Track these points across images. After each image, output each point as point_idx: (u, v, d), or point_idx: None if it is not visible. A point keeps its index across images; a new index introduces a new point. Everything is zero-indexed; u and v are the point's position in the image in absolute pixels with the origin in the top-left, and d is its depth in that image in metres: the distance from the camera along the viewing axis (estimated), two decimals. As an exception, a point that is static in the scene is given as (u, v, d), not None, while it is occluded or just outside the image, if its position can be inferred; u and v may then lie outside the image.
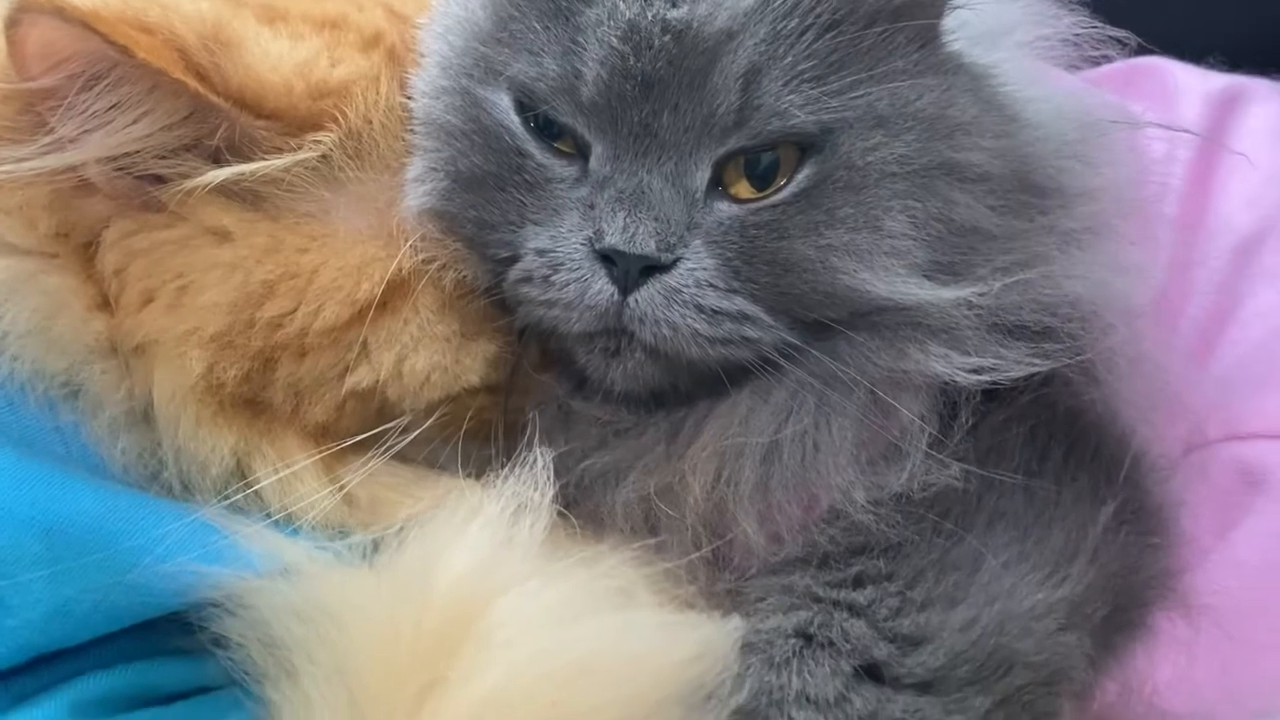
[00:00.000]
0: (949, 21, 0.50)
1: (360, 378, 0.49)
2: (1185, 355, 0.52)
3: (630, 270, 0.46)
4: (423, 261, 0.50)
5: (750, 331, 0.46)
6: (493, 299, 0.51)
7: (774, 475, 0.47)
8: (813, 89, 0.45)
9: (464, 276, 0.51)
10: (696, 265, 0.46)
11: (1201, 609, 0.50)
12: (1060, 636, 0.46)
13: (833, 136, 0.46)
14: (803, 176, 0.46)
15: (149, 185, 0.48)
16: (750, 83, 0.45)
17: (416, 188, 0.49)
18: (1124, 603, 0.49)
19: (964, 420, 0.47)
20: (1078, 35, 0.56)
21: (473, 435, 0.52)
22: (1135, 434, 0.48)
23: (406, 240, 0.50)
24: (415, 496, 0.49)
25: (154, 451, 0.47)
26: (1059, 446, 0.49)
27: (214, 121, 0.48)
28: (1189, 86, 0.63)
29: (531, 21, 0.47)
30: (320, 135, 0.49)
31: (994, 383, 0.47)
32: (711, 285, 0.46)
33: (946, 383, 0.47)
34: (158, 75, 0.45)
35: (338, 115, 0.50)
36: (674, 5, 0.45)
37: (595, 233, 0.46)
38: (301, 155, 0.48)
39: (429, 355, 0.50)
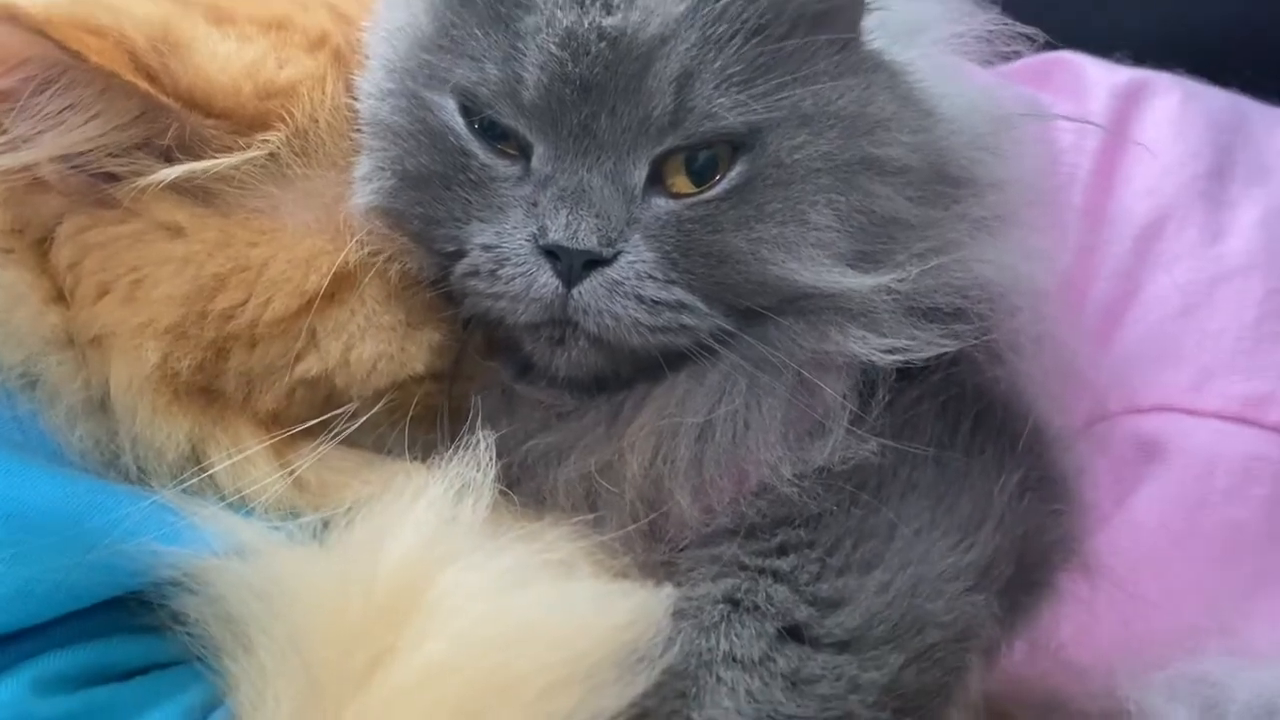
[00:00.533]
0: (868, 20, 0.53)
1: (309, 366, 0.51)
2: (1088, 335, 0.56)
3: (574, 265, 0.48)
4: (369, 254, 0.52)
5: (688, 319, 0.49)
6: (439, 290, 0.53)
7: (708, 452, 0.50)
8: (740, 92, 0.48)
9: (409, 268, 0.53)
10: (636, 258, 0.48)
11: (1101, 569, 0.53)
12: (969, 597, 0.50)
13: (761, 136, 0.49)
14: (735, 173, 0.49)
15: (102, 183, 0.50)
16: (683, 86, 0.48)
17: (364, 185, 0.52)
18: (1029, 564, 0.53)
19: (881, 397, 0.50)
20: (990, 32, 0.59)
21: (419, 420, 0.55)
22: (1039, 409, 0.52)
23: (353, 234, 0.51)
24: (363, 479, 0.51)
25: (111, 439, 0.49)
26: (967, 421, 0.52)
27: (165, 121, 0.49)
28: (1098, 80, 0.67)
29: (472, 29, 0.50)
30: (268, 135, 0.51)
31: (908, 362, 0.50)
32: (651, 277, 0.48)
33: (865, 363, 0.50)
34: (109, 78, 0.47)
35: (284, 115, 0.51)
36: (609, 13, 0.48)
37: (539, 229, 0.48)
38: (250, 154, 0.50)
39: (375, 344, 0.52)
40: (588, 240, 0.48)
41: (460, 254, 0.50)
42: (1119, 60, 0.70)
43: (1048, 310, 0.53)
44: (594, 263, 0.48)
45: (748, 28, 0.48)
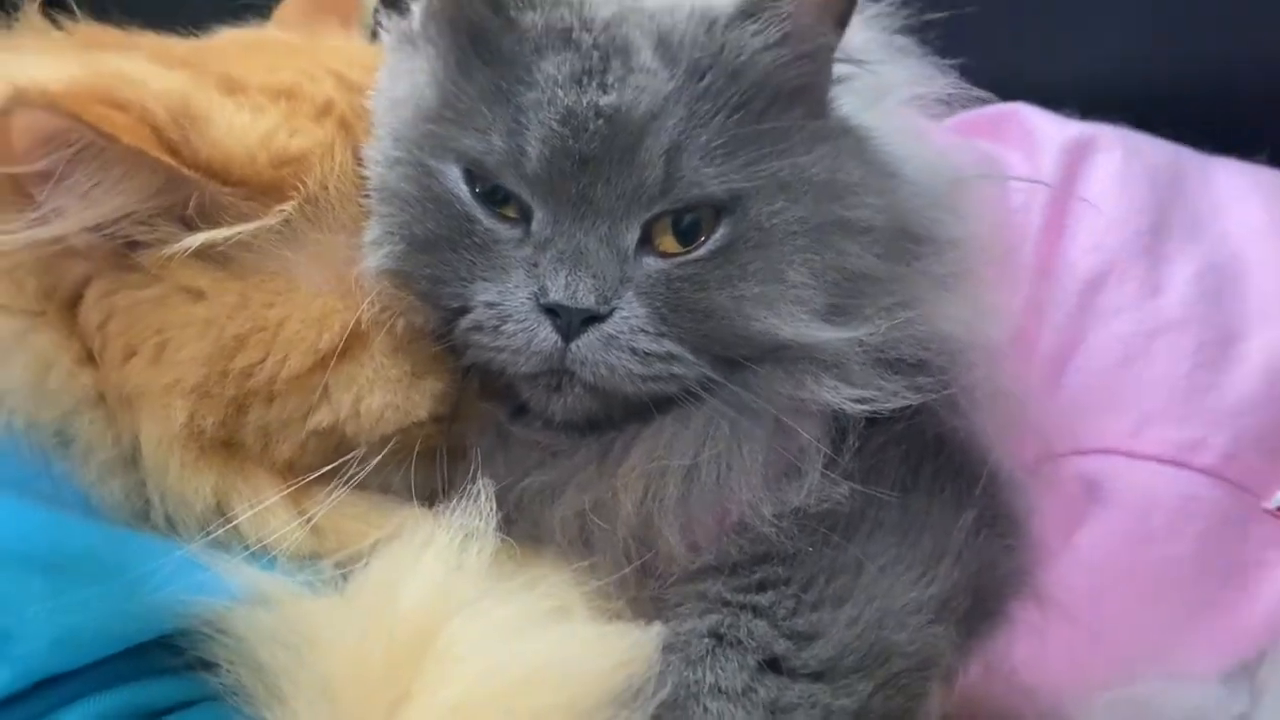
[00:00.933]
0: (836, 88, 0.58)
1: (321, 418, 0.55)
2: (1038, 384, 0.60)
3: (573, 321, 0.52)
4: (378, 312, 0.55)
5: (678, 369, 0.53)
6: (443, 343, 0.56)
7: (694, 492, 0.54)
8: (724, 163, 0.53)
9: (414, 323, 0.57)
10: (630, 314, 0.53)
11: (1051, 600, 0.58)
12: (931, 628, 0.54)
13: (743, 202, 0.53)
14: (719, 235, 0.53)
15: (127, 249, 0.53)
16: (672, 158, 0.52)
17: (375, 250, 0.55)
18: (985, 596, 0.57)
19: (851, 443, 0.55)
20: (949, 95, 0.64)
21: (421, 460, 0.58)
22: (994, 454, 0.56)
23: (363, 293, 0.55)
24: (376, 525, 0.55)
25: (140, 492, 0.52)
26: (928, 466, 0.56)
27: (186, 191, 0.53)
28: (1047, 135, 0.71)
29: (476, 102, 0.54)
30: (283, 203, 0.54)
31: (875, 412, 0.55)
32: (644, 331, 0.53)
33: (837, 410, 0.54)
34: (138, 155, 0.50)
35: (297, 183, 0.55)
36: (605, 92, 0.52)
37: (540, 289, 0.52)
38: (267, 222, 0.54)
39: (383, 395, 0.56)
40: (586, 300, 0.52)
41: (465, 310, 0.54)
42: (1067, 113, 0.75)
43: (1001, 362, 0.57)
44: (591, 319, 0.52)
45: (730, 104, 0.53)
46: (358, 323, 0.55)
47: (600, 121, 0.52)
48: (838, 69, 0.57)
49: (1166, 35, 0.84)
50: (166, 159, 0.51)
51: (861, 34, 0.60)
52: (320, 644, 0.47)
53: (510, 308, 0.53)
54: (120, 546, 0.50)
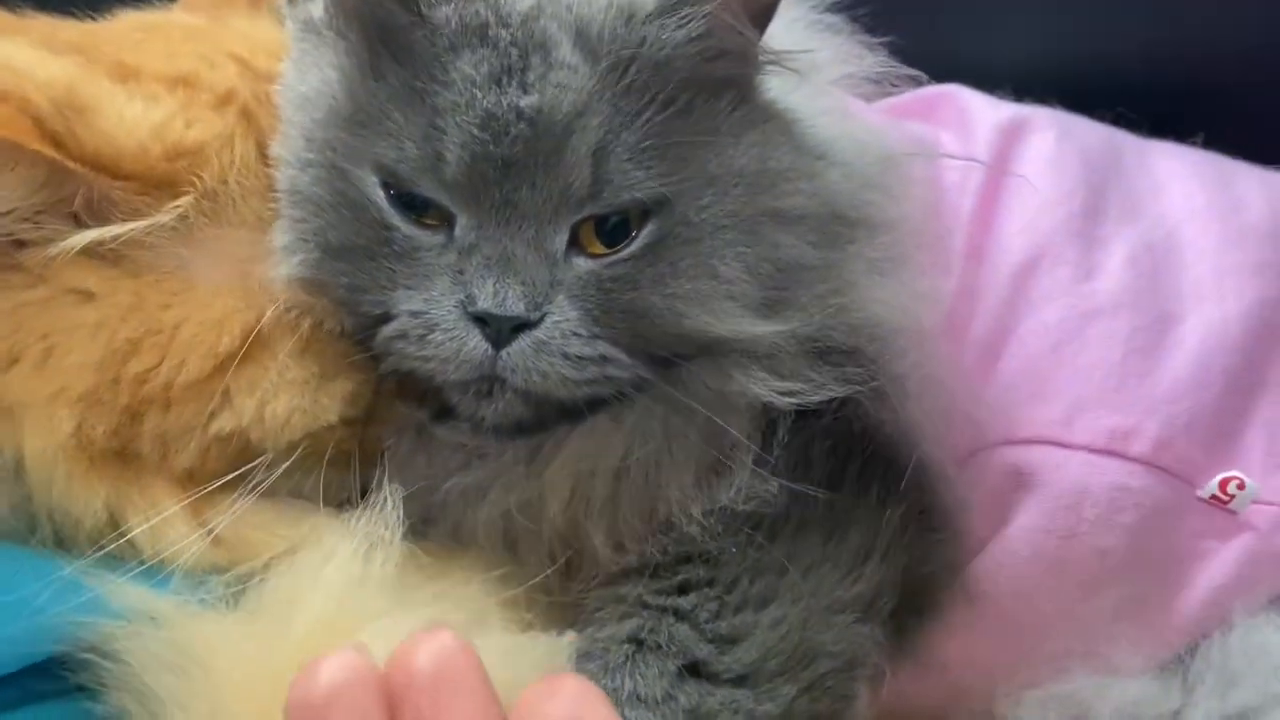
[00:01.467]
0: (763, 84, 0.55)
1: (223, 424, 0.52)
2: (969, 372, 0.59)
3: (502, 329, 0.50)
4: (282, 312, 0.53)
5: (612, 370, 0.52)
6: (360, 348, 0.54)
7: (623, 492, 0.53)
8: (652, 164, 0.51)
9: (320, 323, 0.54)
10: (561, 318, 0.51)
11: (981, 595, 0.57)
12: (857, 628, 0.53)
13: (672, 200, 0.51)
14: (647, 232, 0.51)
15: (9, 248, 0.50)
16: (599, 160, 0.50)
17: (287, 257, 0.53)
18: (914, 592, 0.56)
19: (781, 438, 0.53)
20: (879, 74, 0.62)
21: (333, 464, 0.56)
22: (923, 445, 0.55)
23: (265, 293, 0.53)
24: (280, 535, 0.52)
25: (26, 507, 0.50)
26: (855, 461, 0.55)
27: (72, 186, 0.50)
28: (981, 117, 0.69)
29: (388, 107, 0.51)
30: (178, 199, 0.52)
31: (803, 405, 0.53)
32: (575, 334, 0.51)
33: (766, 404, 0.53)
34: (16, 149, 0.48)
35: (193, 177, 0.52)
36: (525, 92, 0.50)
37: (467, 297, 0.50)
38: (161, 219, 0.51)
39: (289, 399, 0.54)
40: (515, 307, 0.50)
41: (386, 318, 0.52)
42: (1001, 95, 0.73)
43: (932, 350, 0.56)
44: (521, 325, 0.50)
45: (655, 101, 0.51)
46: (260, 323, 0.53)
47: (522, 125, 0.50)
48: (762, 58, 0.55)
49: (1103, 15, 0.82)
50: (49, 152, 0.49)
51: (789, 12, 0.58)
52: (211, 666, 0.44)
53: (437, 316, 0.51)
54: (6, 569, 0.47)
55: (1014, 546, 0.57)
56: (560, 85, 0.50)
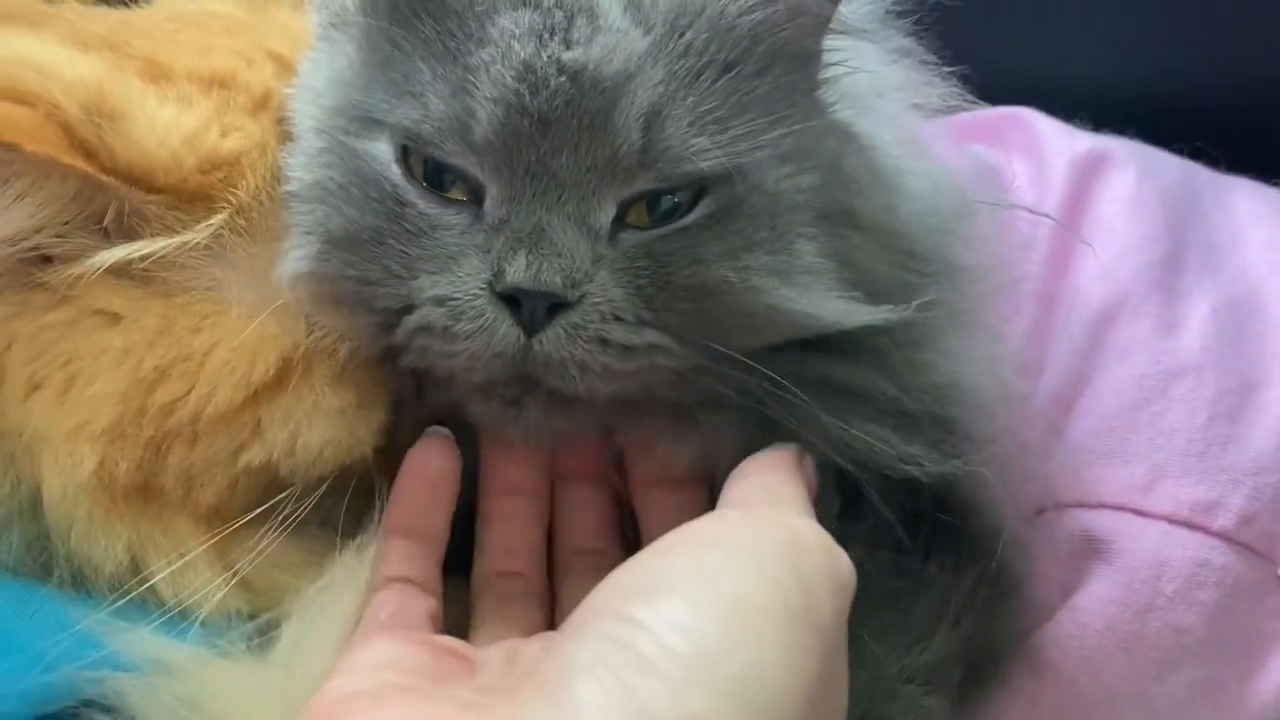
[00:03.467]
0: (833, 90, 0.51)
1: (252, 457, 0.49)
2: (1041, 425, 0.56)
3: (536, 310, 0.44)
4: (318, 335, 0.49)
5: (662, 361, 0.45)
6: (383, 351, 0.49)
7: None
8: (718, 132, 0.45)
9: (359, 347, 0.51)
10: (602, 298, 0.44)
11: (1047, 666, 0.54)
12: (923, 699, 0.50)
13: (740, 173, 0.46)
14: (709, 201, 0.46)
15: (33, 265, 0.47)
16: (651, 124, 0.45)
17: (289, 255, 0.48)
18: (981, 661, 0.53)
19: (869, 499, 0.49)
20: (949, 106, 0.58)
21: (358, 492, 0.52)
22: (997, 507, 0.52)
23: (301, 315, 0.49)
24: (307, 577, 0.49)
25: (43, 545, 0.46)
26: (926, 523, 0.52)
27: (103, 200, 0.46)
28: (1056, 147, 0.66)
29: (416, 63, 0.46)
30: (212, 215, 0.48)
31: (887, 468, 0.49)
32: (618, 319, 0.44)
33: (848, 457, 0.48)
34: (46, 163, 0.44)
35: (229, 191, 0.48)
36: (568, 47, 0.45)
37: (496, 274, 0.44)
38: (195, 238, 0.47)
39: (323, 430, 0.50)
40: (550, 281, 0.43)
41: (407, 310, 0.47)
42: (1078, 121, 0.69)
43: (1011, 410, 0.53)
44: (557, 306, 0.44)
45: (718, 64, 0.46)
46: (295, 349, 0.49)
47: (563, 79, 0.44)
48: (833, 54, 0.50)
49: (1184, 41, 0.78)
50: (80, 165, 0.45)
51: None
52: (224, 718, 0.41)
53: (463, 301, 0.44)
54: (14, 610, 0.44)
55: (1085, 618, 0.54)
56: (607, 44, 0.45)
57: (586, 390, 0.45)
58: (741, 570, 0.38)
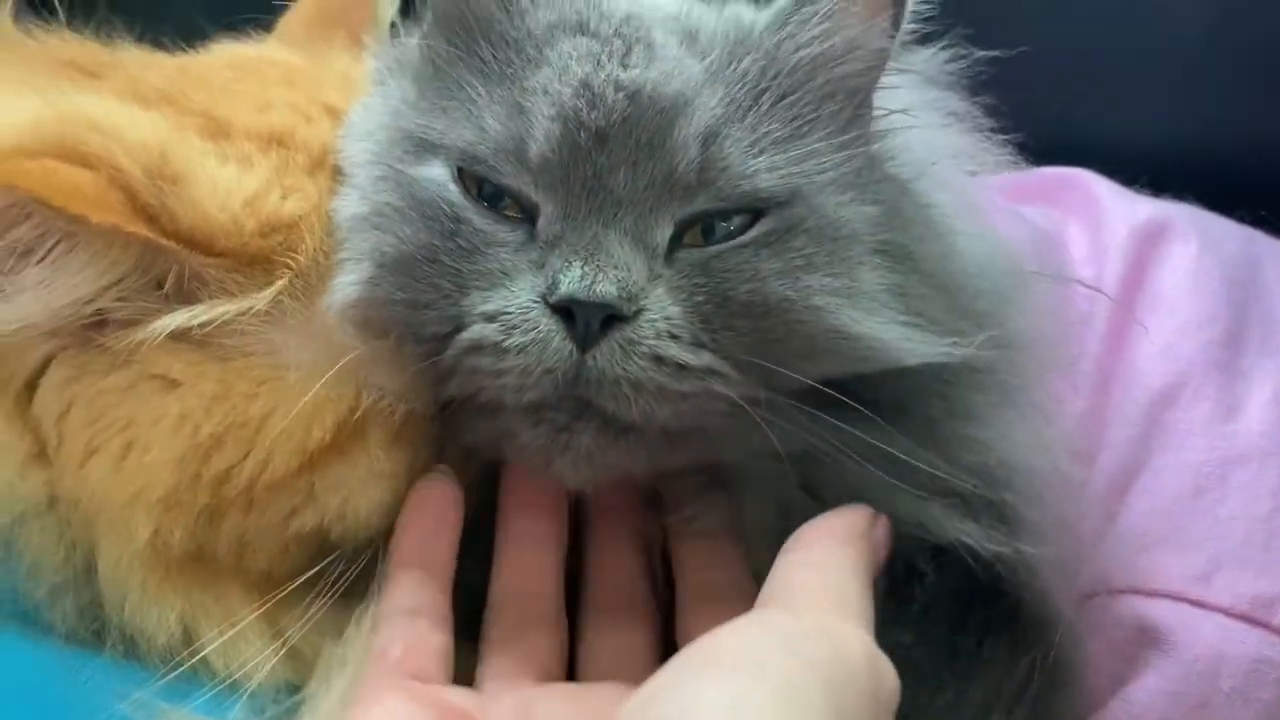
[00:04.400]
0: (887, 147, 0.50)
1: (305, 521, 0.49)
2: (1095, 507, 0.55)
3: (590, 322, 0.43)
4: (373, 398, 0.49)
5: (718, 386, 0.44)
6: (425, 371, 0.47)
7: None
8: (777, 153, 0.45)
9: (414, 408, 0.50)
10: (658, 314, 0.43)
11: (1097, 757, 0.54)
12: None
13: (799, 196, 0.46)
14: (766, 222, 0.45)
15: (93, 327, 0.46)
16: (710, 143, 0.45)
17: (339, 285, 0.47)
18: None
19: (923, 579, 0.49)
20: (1005, 171, 0.57)
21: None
22: (1049, 594, 0.51)
23: (357, 377, 0.48)
24: (352, 645, 0.48)
25: (95, 611, 0.46)
26: (980, 606, 0.51)
27: (164, 265, 0.46)
28: (1115, 213, 0.65)
29: (473, 88, 0.46)
30: (272, 279, 0.47)
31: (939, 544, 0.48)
32: (674, 336, 0.43)
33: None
34: (110, 231, 0.44)
35: (287, 255, 0.48)
36: (624, 68, 0.45)
37: (550, 286, 0.43)
38: (256, 304, 0.47)
39: (377, 494, 0.49)
40: (606, 291, 0.42)
41: (456, 331, 0.45)
42: (1138, 186, 0.68)
43: (1068, 493, 0.52)
44: (613, 320, 0.43)
45: (774, 93, 0.46)
46: (351, 413, 0.48)
47: (620, 96, 0.44)
48: (887, 103, 0.50)
49: (1245, 102, 0.77)
50: (144, 232, 0.45)
51: (914, 93, 0.53)
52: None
53: (516, 315, 0.43)
54: (65, 679, 0.44)
55: (1138, 710, 0.53)
56: (665, 68, 0.45)
57: (640, 414, 0.44)
58: (774, 710, 0.35)
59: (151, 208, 0.46)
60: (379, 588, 0.48)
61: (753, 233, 0.45)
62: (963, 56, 0.55)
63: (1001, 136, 0.56)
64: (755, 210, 0.45)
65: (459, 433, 0.50)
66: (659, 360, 0.43)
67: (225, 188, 0.48)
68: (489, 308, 0.44)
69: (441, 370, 0.46)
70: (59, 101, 0.49)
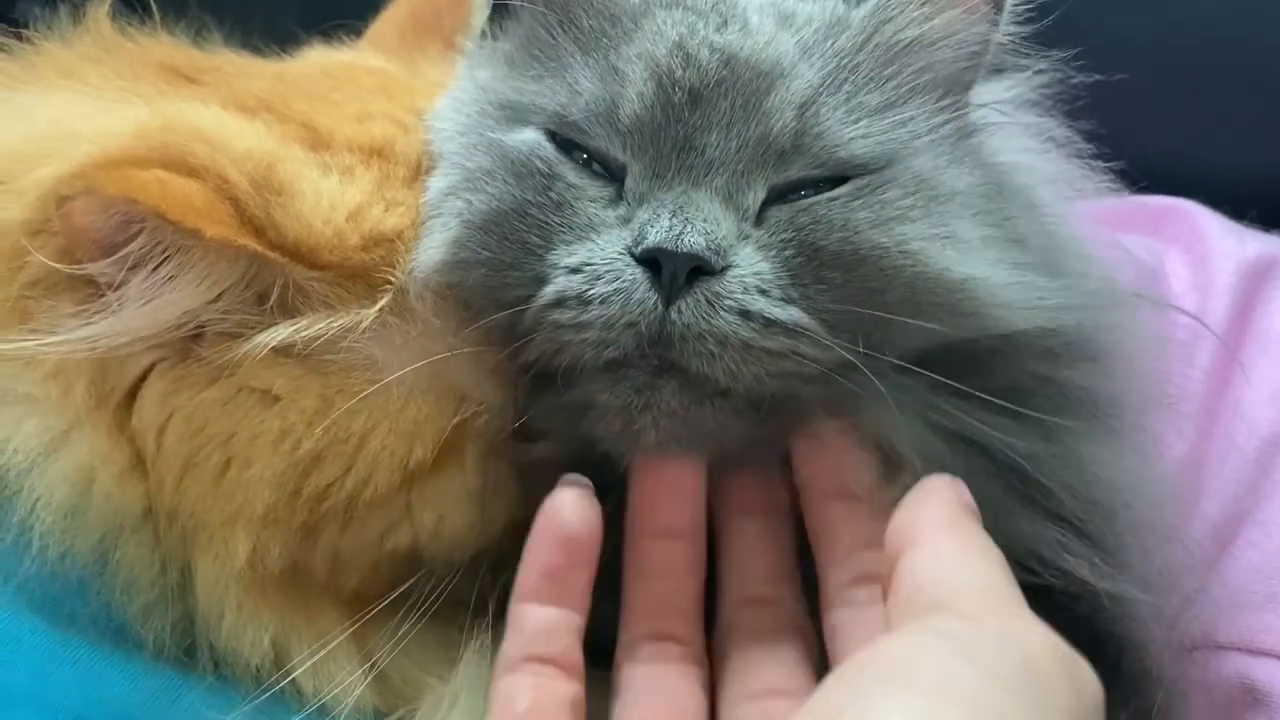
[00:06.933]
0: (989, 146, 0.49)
1: (400, 539, 0.48)
2: (1197, 557, 0.53)
3: (677, 274, 0.42)
4: (471, 414, 0.48)
5: (806, 349, 0.42)
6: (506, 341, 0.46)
7: None
8: (873, 122, 0.45)
9: (506, 425, 0.49)
10: (747, 270, 0.42)
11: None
12: None
13: (892, 162, 0.45)
14: (859, 180, 0.45)
15: (193, 340, 0.46)
16: (806, 110, 0.44)
17: (424, 246, 0.47)
18: None
19: None
20: (1110, 208, 0.56)
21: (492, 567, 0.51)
22: (1148, 646, 0.49)
23: (458, 394, 0.48)
24: (434, 673, 0.48)
25: (187, 629, 0.46)
26: (1082, 650, 0.49)
27: (268, 277, 0.45)
28: (1222, 248, 0.63)
29: (568, 54, 0.47)
30: (374, 293, 0.47)
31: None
32: (762, 290, 0.42)
33: None
34: (221, 244, 0.43)
35: (389, 269, 0.47)
36: (720, 33, 0.46)
37: (637, 237, 0.43)
38: (363, 319, 0.46)
39: (468, 512, 0.49)
40: (694, 242, 0.41)
41: (539, 288, 0.44)
42: (1247, 221, 0.66)
43: (1166, 536, 0.50)
44: (699, 272, 0.42)
45: (868, 70, 0.46)
46: (449, 431, 0.47)
47: (715, 57, 0.45)
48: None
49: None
50: (252, 245, 0.44)
51: (1017, 116, 0.52)
52: None
53: (600, 266, 0.43)
54: (154, 701, 0.43)
55: (1237, 769, 0.51)
56: (760, 35, 0.46)
57: (725, 372, 0.42)
58: None
59: (258, 220, 0.45)
60: (479, 619, 0.47)
61: (845, 188, 0.44)
62: (1062, 81, 0.53)
63: (1102, 164, 0.55)
64: (850, 177, 0.45)
65: (539, 432, 0.48)
66: (745, 315, 0.42)
67: (329, 201, 0.47)
68: (574, 260, 0.43)
69: (522, 332, 0.45)
70: (163, 109, 0.49)
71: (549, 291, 0.44)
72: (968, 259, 0.44)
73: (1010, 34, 0.49)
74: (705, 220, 0.42)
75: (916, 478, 0.43)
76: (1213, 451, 0.55)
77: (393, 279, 0.48)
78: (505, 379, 0.48)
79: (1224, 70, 0.76)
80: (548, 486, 0.47)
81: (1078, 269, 0.49)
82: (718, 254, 0.42)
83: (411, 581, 0.49)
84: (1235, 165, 0.75)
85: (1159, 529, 0.49)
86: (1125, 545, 0.48)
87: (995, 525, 0.43)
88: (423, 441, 0.47)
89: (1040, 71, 0.52)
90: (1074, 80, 0.53)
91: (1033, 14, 0.50)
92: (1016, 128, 0.52)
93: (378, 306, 0.46)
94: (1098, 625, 0.49)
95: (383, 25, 0.64)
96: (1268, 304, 0.60)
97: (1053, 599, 0.47)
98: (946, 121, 0.47)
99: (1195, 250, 0.64)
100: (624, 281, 0.42)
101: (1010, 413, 0.45)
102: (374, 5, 0.66)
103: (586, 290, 0.43)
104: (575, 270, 0.43)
